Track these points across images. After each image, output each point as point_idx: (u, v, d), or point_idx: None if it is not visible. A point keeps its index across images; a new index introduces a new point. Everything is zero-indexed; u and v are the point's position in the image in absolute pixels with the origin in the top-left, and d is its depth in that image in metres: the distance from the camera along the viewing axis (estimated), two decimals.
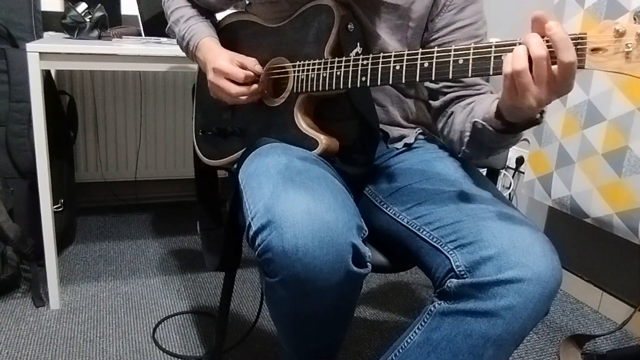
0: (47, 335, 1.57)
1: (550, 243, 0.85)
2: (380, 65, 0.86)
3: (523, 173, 2.13)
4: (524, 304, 0.79)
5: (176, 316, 1.71)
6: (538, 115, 0.81)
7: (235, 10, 1.27)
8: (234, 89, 1.07)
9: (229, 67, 1.07)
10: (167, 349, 1.54)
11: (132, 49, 1.59)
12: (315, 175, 0.86)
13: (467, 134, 0.97)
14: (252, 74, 1.08)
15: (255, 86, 1.08)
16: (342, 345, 1.03)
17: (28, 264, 1.78)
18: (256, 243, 0.80)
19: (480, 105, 0.96)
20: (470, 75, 0.77)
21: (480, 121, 0.89)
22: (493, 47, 0.75)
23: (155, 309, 1.74)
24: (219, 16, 1.28)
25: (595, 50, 0.68)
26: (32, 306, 1.71)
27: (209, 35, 1.19)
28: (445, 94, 1.06)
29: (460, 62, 0.77)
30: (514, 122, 0.83)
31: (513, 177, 2.26)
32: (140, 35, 1.93)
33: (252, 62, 1.09)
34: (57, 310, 1.70)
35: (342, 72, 0.92)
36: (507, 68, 0.73)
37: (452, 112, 1.05)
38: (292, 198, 0.79)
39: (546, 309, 0.82)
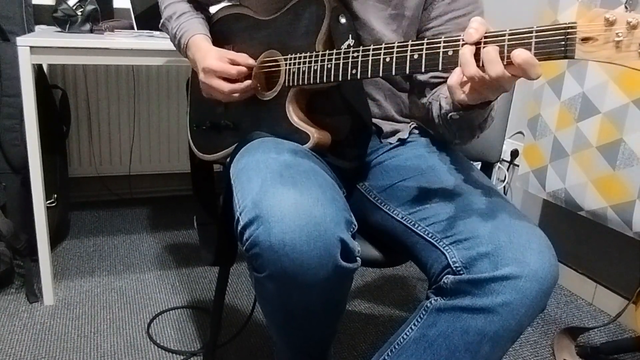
0: (41, 331, 1.56)
1: (546, 239, 0.85)
2: (370, 58, 0.85)
3: (518, 166, 2.13)
4: (521, 300, 0.79)
5: (171, 311, 1.71)
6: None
7: (229, 3, 1.26)
8: (227, 86, 1.06)
9: (219, 65, 1.05)
10: (162, 344, 1.54)
11: (125, 43, 1.57)
12: (304, 169, 0.85)
13: (454, 128, 0.96)
14: (244, 69, 1.06)
15: (247, 82, 1.07)
16: (335, 339, 1.02)
17: (21, 259, 1.77)
18: (244, 238, 0.80)
19: (444, 97, 0.97)
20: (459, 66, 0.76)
21: (455, 114, 0.90)
22: (483, 38, 0.73)
23: (149, 304, 1.74)
24: (214, 9, 1.27)
25: (585, 39, 0.66)
26: (26, 302, 1.71)
27: (199, 33, 1.16)
28: (433, 85, 1.06)
29: (450, 53, 0.76)
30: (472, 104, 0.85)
31: (508, 170, 2.27)
32: (133, 28, 1.91)
33: (243, 58, 1.08)
34: (51, 306, 1.69)
35: (333, 65, 0.91)
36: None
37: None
38: (280, 192, 0.79)
39: (543, 305, 0.82)
